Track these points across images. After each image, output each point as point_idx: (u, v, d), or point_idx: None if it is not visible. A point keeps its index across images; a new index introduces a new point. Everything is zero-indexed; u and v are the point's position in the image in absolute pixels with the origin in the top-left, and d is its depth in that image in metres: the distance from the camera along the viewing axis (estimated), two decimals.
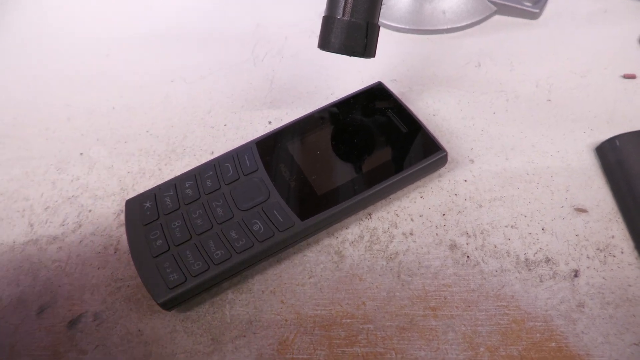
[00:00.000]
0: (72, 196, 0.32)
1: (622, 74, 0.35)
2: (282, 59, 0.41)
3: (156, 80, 0.40)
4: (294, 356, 0.24)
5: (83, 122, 0.37)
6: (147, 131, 0.36)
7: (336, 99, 0.33)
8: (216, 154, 0.32)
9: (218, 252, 0.25)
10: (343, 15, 0.26)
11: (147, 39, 0.45)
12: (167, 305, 0.24)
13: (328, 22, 0.27)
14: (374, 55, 0.28)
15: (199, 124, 0.36)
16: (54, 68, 0.43)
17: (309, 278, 0.27)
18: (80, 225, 0.30)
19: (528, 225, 0.28)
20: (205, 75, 0.40)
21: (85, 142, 0.36)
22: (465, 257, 0.27)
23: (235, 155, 0.30)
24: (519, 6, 0.40)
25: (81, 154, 0.35)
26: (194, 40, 0.44)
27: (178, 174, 0.30)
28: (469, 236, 0.27)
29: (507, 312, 0.24)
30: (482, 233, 0.28)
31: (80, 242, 0.30)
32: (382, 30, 0.31)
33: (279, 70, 0.40)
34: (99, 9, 0.49)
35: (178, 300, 0.25)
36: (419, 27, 0.41)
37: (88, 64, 0.43)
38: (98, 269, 0.28)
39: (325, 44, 0.27)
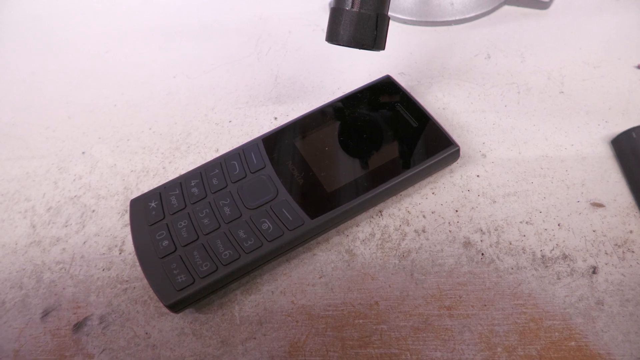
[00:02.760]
0: (75, 196, 0.31)
1: (636, 64, 0.34)
2: (286, 53, 0.40)
3: (158, 77, 0.39)
4: (306, 358, 0.23)
5: (84, 120, 0.36)
6: (150, 128, 0.35)
7: (343, 94, 0.32)
8: (221, 152, 0.32)
9: (226, 252, 0.25)
10: (352, 6, 0.25)
11: (148, 34, 0.44)
12: (175, 308, 0.24)
13: (336, 13, 0.26)
14: (383, 48, 0.27)
15: (202, 120, 0.35)
16: (53, 65, 0.42)
17: (320, 278, 0.26)
18: (83, 226, 0.30)
19: (543, 221, 0.27)
20: (208, 71, 0.39)
21: (86, 141, 0.35)
22: (480, 255, 0.26)
23: (241, 153, 0.29)
24: None
25: (83, 152, 0.34)
26: (196, 35, 0.43)
27: (183, 172, 0.29)
28: (483, 233, 0.27)
29: (524, 310, 0.24)
30: (496, 229, 0.27)
31: (84, 243, 0.29)
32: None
33: (284, 65, 0.39)
34: (99, 5, 0.48)
35: (186, 302, 0.24)
36: (427, 18, 0.40)
37: (88, 61, 0.42)
38: (103, 270, 0.28)
39: (333, 36, 0.26)
